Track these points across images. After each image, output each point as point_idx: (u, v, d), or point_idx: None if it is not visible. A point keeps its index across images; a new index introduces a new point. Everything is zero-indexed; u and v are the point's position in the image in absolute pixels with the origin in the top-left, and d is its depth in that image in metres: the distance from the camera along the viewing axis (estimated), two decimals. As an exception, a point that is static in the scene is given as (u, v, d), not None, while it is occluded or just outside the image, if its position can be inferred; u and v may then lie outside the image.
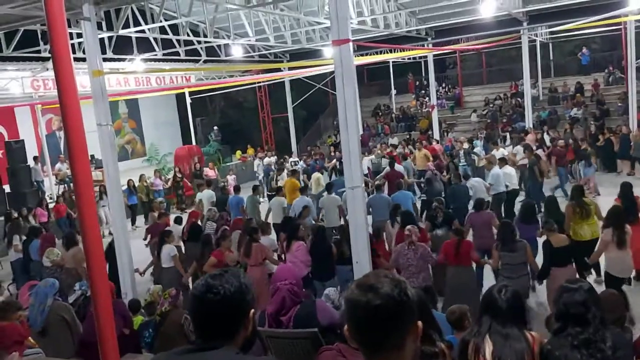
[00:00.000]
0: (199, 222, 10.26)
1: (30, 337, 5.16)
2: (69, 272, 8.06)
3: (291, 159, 19.88)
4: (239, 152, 23.49)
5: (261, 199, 12.58)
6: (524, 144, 15.48)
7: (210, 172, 17.42)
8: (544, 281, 6.75)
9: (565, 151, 13.71)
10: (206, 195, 12.30)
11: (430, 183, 11.73)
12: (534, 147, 14.38)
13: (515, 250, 6.39)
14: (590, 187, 12.97)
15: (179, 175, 16.90)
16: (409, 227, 6.95)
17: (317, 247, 7.50)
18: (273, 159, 19.10)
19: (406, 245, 6.78)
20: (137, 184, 15.28)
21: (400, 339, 1.48)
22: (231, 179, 16.62)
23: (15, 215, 11.82)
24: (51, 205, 13.97)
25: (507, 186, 11.09)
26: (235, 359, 1.67)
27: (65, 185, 17.42)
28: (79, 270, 8.02)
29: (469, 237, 7.99)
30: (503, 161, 11.93)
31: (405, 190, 10.74)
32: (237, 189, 12.39)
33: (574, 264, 6.45)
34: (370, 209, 9.51)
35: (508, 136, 19.23)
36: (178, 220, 10.29)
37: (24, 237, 10.34)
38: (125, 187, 13.78)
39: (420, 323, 1.52)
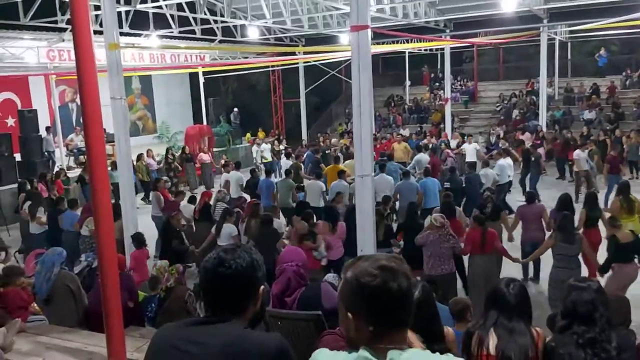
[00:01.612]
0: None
1: (35, 304, 5.22)
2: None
3: (282, 146, 19.18)
4: (249, 135, 23.45)
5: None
6: (518, 139, 16.59)
7: (204, 156, 16.99)
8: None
9: (620, 159, 13.54)
10: (234, 177, 11.92)
11: (453, 171, 12.05)
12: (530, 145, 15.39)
13: (573, 242, 6.42)
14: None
15: (170, 157, 16.46)
16: (435, 215, 7.00)
17: (348, 226, 7.70)
18: (268, 145, 18.72)
19: (437, 233, 6.77)
20: (135, 163, 14.54)
21: (410, 317, 1.51)
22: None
23: (29, 186, 11.54)
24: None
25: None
26: (243, 333, 1.68)
27: (74, 157, 17.52)
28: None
29: (518, 229, 8.20)
30: (506, 152, 12.93)
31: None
32: (268, 173, 12.02)
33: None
34: (398, 195, 9.93)
35: (501, 133, 19.16)
36: (192, 200, 10.26)
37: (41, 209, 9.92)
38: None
39: None
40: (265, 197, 10.80)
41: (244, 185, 11.77)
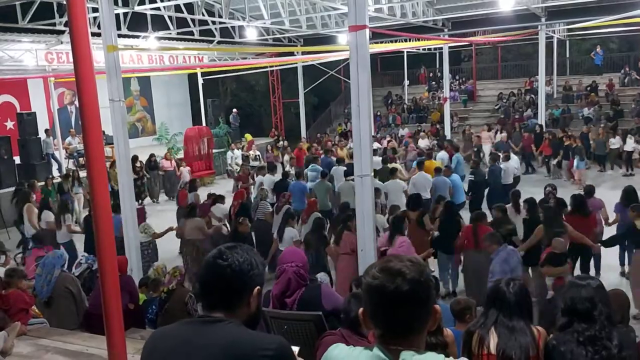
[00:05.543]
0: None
1: (35, 307, 5.22)
2: (188, 243, 8.52)
3: (251, 152, 18.45)
4: (248, 135, 23.39)
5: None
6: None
7: (166, 163, 16.46)
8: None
9: None
10: (268, 181, 11.66)
11: (477, 163, 12.66)
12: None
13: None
14: (577, 180, 14.14)
15: (137, 165, 15.65)
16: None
17: (446, 222, 7.83)
18: (239, 152, 18.16)
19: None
20: (108, 169, 13.96)
21: (423, 324, 1.48)
22: (185, 171, 16.10)
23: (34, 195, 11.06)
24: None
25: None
26: (243, 334, 1.67)
27: (75, 160, 17.47)
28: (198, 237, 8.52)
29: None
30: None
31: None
32: (299, 175, 11.71)
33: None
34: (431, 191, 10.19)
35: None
36: (220, 200, 10.12)
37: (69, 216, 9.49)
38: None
39: (438, 307, 1.51)
40: (296, 200, 10.32)
41: (273, 188, 11.37)
